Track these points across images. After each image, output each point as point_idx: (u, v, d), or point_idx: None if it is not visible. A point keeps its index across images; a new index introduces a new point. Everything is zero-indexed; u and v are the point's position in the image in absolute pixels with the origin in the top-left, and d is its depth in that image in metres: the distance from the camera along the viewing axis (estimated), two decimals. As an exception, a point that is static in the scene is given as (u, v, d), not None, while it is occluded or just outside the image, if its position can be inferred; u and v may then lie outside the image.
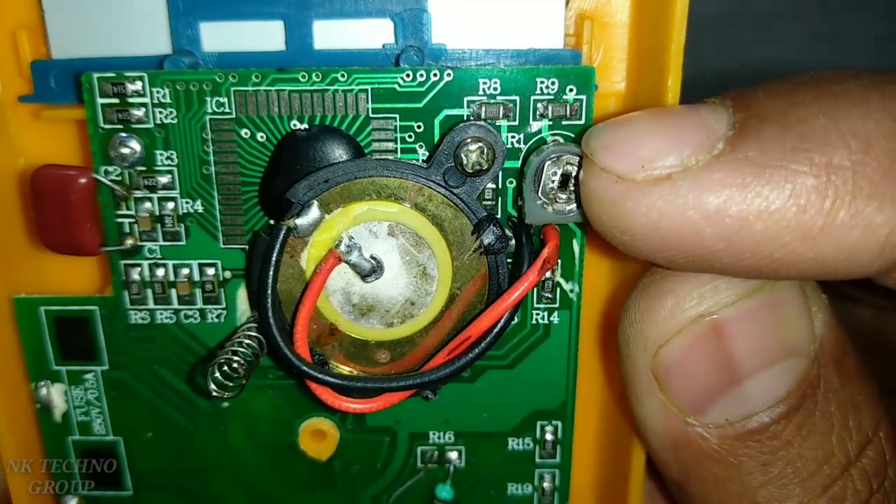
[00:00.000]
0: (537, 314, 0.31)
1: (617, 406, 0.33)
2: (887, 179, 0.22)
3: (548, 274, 0.31)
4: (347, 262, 0.28)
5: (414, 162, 0.28)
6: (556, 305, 0.31)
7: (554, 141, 0.28)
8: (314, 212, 0.28)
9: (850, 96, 0.23)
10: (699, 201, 0.22)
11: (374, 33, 0.29)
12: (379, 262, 0.29)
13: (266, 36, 0.30)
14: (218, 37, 0.30)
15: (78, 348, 0.32)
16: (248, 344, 0.29)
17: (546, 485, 0.34)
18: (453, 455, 0.34)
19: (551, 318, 0.31)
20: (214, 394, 0.27)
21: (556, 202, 0.27)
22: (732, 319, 0.25)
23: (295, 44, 0.30)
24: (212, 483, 0.34)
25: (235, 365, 0.28)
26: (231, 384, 0.27)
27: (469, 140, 0.27)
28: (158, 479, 0.34)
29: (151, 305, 0.31)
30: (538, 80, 0.28)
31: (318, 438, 0.33)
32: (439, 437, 0.33)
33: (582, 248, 0.30)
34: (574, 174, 0.27)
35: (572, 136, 0.29)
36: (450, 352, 0.29)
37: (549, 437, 0.33)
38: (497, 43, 0.29)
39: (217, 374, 0.27)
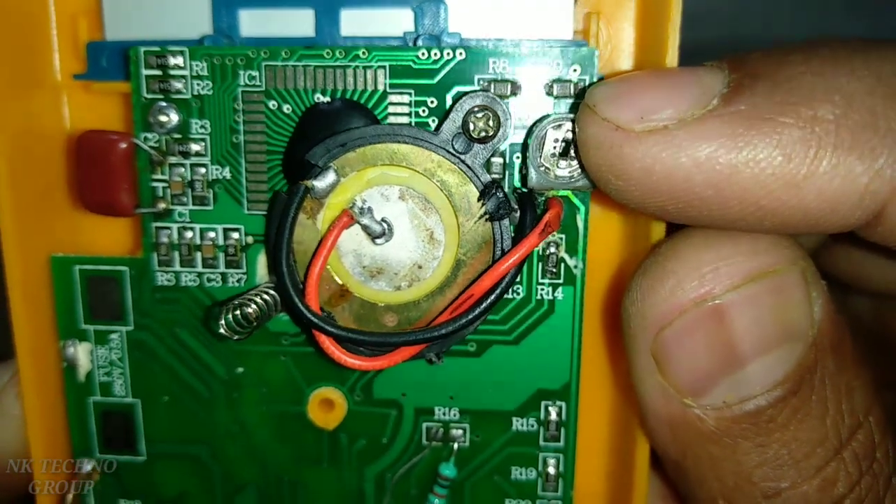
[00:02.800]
0: (542, 289, 0.32)
1: (621, 389, 0.33)
2: (867, 132, 0.23)
3: (552, 249, 0.32)
4: (359, 223, 0.30)
5: (424, 130, 0.30)
6: (561, 281, 0.32)
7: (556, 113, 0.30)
8: (331, 175, 0.30)
9: (837, 58, 0.24)
10: (692, 150, 0.24)
11: (395, 22, 0.32)
12: (389, 224, 0.31)
13: (298, 23, 0.33)
14: (255, 23, 0.33)
15: (106, 308, 0.34)
16: (264, 298, 0.30)
17: (550, 470, 0.34)
18: (458, 433, 0.34)
19: (556, 294, 0.32)
20: (222, 331, 0.28)
21: (558, 168, 0.29)
22: (734, 304, 0.26)
23: (324, 31, 0.32)
24: (222, 451, 0.35)
25: (250, 310, 0.29)
26: (240, 329, 0.29)
27: (476, 108, 0.29)
28: (171, 446, 0.35)
29: (177, 268, 0.33)
30: (544, 60, 0.30)
31: (326, 408, 0.34)
32: (444, 414, 0.34)
33: (585, 224, 0.31)
34: (573, 140, 0.28)
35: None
36: (452, 311, 0.30)
37: (553, 417, 0.33)
38: (509, 33, 0.32)
39: (229, 316, 0.29)
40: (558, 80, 0.30)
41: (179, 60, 0.31)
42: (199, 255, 0.33)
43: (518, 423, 0.34)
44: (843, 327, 0.27)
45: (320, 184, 0.30)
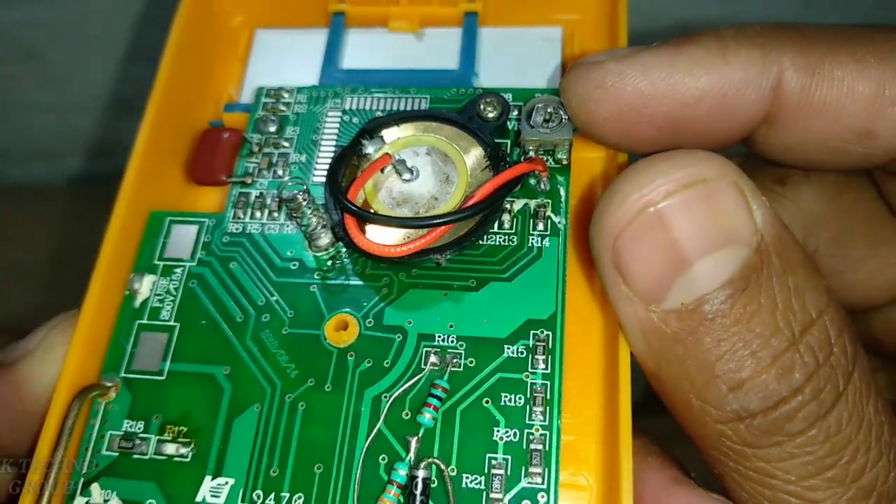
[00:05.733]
0: (532, 239, 0.40)
1: (603, 321, 0.38)
2: (757, 38, 0.34)
3: (542, 210, 0.41)
4: (394, 165, 0.40)
5: (452, 114, 0.43)
6: (548, 233, 0.40)
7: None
8: (378, 141, 0.42)
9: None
10: (644, 61, 0.35)
11: (437, 97, 0.47)
12: (416, 170, 0.41)
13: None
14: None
15: (181, 247, 0.42)
16: (316, 212, 0.39)
17: (538, 395, 0.36)
18: (454, 358, 0.37)
19: (544, 242, 0.40)
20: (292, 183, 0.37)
21: (542, 128, 0.40)
22: (671, 208, 0.30)
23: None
24: (238, 371, 0.38)
25: (303, 200, 0.38)
26: (294, 201, 0.37)
27: (487, 99, 0.42)
28: (192, 365, 0.39)
29: (247, 219, 0.42)
30: (536, 94, 0.44)
31: (341, 328, 0.39)
32: (443, 340, 0.38)
33: (567, 191, 0.41)
34: (553, 112, 0.40)
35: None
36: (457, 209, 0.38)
37: (540, 345, 0.37)
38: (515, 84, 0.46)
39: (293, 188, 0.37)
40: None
41: (288, 94, 0.46)
42: (266, 210, 0.43)
43: (509, 351, 0.37)
44: (791, 239, 0.32)
45: (371, 147, 0.42)
